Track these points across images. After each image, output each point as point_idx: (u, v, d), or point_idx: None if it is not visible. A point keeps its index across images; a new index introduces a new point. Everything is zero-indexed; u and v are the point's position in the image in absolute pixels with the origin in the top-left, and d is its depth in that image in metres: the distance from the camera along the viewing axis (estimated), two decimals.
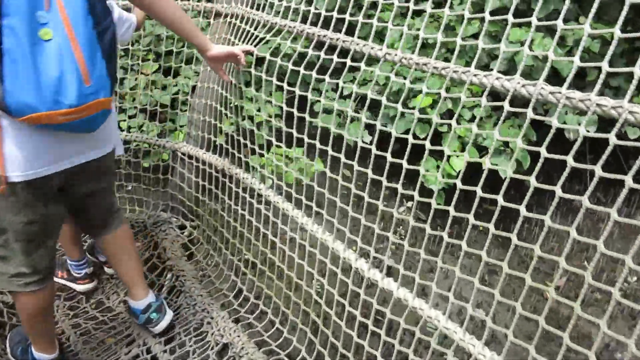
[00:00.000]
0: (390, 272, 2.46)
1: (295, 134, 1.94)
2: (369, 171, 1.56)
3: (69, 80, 1.37)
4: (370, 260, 1.66)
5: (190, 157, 2.70)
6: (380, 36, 2.79)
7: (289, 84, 1.99)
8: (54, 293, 1.89)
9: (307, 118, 1.81)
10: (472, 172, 1.71)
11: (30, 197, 1.54)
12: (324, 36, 1.82)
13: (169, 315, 2.16)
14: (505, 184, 1.24)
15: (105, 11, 1.50)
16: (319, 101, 1.78)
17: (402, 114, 1.53)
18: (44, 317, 1.81)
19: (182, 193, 2.77)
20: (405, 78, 1.53)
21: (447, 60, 1.85)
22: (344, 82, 1.71)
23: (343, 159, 1.68)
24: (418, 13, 2.69)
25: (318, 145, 1.82)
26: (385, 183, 1.55)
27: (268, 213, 2.18)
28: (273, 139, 2.05)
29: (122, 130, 2.93)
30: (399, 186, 1.52)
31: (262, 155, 2.22)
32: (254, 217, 2.28)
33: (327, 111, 2.61)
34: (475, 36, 2.58)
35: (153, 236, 2.74)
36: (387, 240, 1.66)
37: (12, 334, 2.08)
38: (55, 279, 2.40)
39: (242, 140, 2.31)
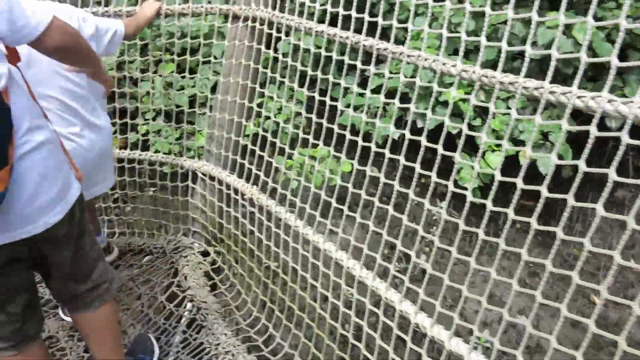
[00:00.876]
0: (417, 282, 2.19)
1: (324, 126, 1.80)
2: (401, 158, 1.48)
3: None
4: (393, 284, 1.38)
5: (211, 178, 2.44)
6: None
7: (312, 81, 1.88)
8: (42, 355, 1.57)
9: (338, 105, 1.54)
10: (508, 169, 1.59)
11: None
12: (357, 43, 1.67)
13: None
14: (549, 177, 1.14)
15: None
16: (344, 97, 1.63)
17: (433, 108, 1.50)
18: None
19: (204, 217, 2.53)
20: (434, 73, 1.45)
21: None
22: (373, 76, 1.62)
23: (373, 153, 1.60)
24: None
25: (348, 137, 1.71)
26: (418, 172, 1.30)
27: (297, 246, 1.92)
28: (300, 134, 1.92)
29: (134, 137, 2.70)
30: (433, 174, 1.42)
31: (290, 157, 2.08)
32: (281, 248, 2.02)
33: (354, 108, 2.49)
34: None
35: (173, 262, 2.51)
36: (411, 252, 1.41)
37: None
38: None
39: (269, 138, 2.14)
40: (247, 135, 2.31)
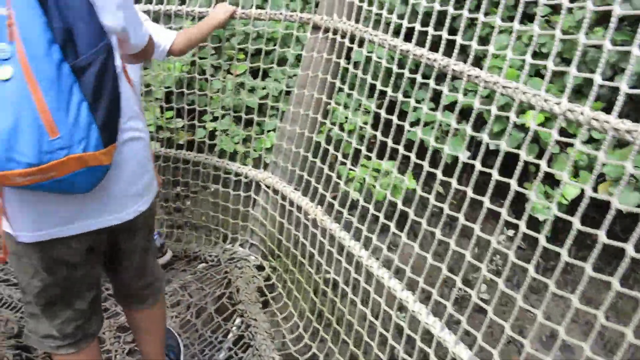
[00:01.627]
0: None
1: (390, 139, 1.69)
2: (469, 189, 1.35)
3: (25, 132, 1.01)
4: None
5: (275, 191, 2.35)
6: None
7: (382, 91, 1.74)
8: (97, 356, 1.56)
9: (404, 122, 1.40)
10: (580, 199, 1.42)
11: (46, 259, 1.29)
12: (434, 60, 1.55)
13: None
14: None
15: (94, 35, 1.12)
16: (414, 110, 1.66)
17: (511, 132, 1.27)
18: None
19: (263, 230, 2.44)
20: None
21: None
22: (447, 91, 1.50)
23: (439, 176, 1.50)
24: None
25: (413, 158, 1.60)
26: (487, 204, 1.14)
27: (360, 277, 1.79)
28: (363, 148, 1.82)
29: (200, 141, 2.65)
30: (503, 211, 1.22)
31: (351, 169, 1.99)
32: (341, 277, 1.89)
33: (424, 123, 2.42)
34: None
35: (227, 273, 2.43)
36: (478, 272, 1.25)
37: None
38: None
39: (331, 150, 2.04)
40: (317, 149, 2.20)
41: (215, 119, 2.74)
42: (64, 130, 1.05)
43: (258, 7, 2.37)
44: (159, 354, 1.76)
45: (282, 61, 2.62)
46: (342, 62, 2.04)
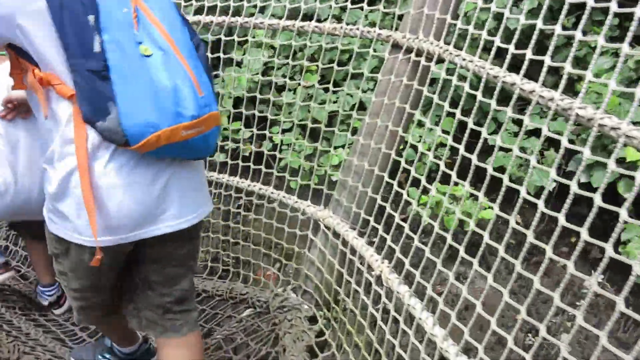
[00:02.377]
0: None
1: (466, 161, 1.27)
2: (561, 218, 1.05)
3: (184, 90, 1.19)
4: None
5: (335, 234, 2.02)
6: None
7: (464, 111, 1.48)
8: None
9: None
10: None
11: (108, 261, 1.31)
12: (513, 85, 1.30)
13: None
14: None
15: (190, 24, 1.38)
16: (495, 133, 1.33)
17: (605, 163, 1.02)
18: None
19: (319, 276, 2.10)
20: None
21: None
22: (531, 115, 1.23)
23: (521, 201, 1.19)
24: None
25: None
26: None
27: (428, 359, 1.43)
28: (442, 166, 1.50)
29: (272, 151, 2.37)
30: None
31: (425, 191, 1.72)
32: (408, 353, 1.53)
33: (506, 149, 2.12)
34: None
35: (275, 325, 2.11)
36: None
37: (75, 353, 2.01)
38: None
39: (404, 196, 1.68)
40: (387, 191, 1.85)
41: (283, 131, 2.59)
42: (205, 91, 1.24)
43: (335, 17, 2.07)
44: None
45: (356, 75, 2.34)
46: (425, 90, 1.69)
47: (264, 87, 2.71)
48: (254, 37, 2.44)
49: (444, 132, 1.71)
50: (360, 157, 1.97)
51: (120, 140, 1.14)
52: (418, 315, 1.50)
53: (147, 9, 1.23)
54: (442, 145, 2.57)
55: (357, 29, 1.96)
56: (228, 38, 2.35)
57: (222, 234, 2.56)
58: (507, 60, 1.32)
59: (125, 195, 1.22)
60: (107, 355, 1.89)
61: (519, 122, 1.40)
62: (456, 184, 1.49)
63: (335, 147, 2.50)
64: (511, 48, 1.30)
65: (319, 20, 2.11)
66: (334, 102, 2.76)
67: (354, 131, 2.14)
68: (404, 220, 1.68)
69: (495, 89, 1.33)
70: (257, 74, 2.73)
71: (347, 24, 2.01)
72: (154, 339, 1.67)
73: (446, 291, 1.42)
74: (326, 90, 2.32)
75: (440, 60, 1.68)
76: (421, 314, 1.49)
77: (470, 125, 1.41)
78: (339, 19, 2.02)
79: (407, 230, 1.61)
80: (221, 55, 2.40)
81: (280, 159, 2.49)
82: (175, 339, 1.49)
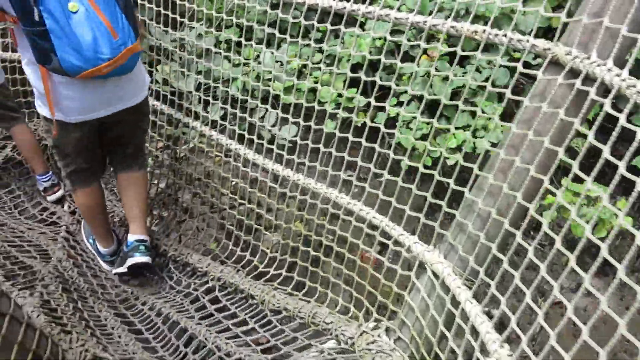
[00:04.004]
0: None
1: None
2: None
3: (101, 39, 1.82)
4: None
5: (444, 286, 1.65)
6: None
7: None
8: (102, 194, 2.47)
9: None
10: None
11: (80, 128, 2.12)
12: None
13: (149, 259, 2.39)
14: None
15: None
16: None
17: None
18: (97, 213, 2.47)
19: (418, 327, 1.76)
20: None
21: None
22: None
23: None
24: None
25: None
26: None
27: None
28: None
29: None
30: None
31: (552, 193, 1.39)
32: None
33: None
34: None
35: None
36: None
37: (84, 223, 2.78)
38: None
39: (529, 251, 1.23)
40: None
41: (399, 103, 2.57)
42: (120, 34, 1.86)
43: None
44: (139, 210, 2.45)
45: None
46: (591, 135, 1.24)
47: (386, 53, 2.42)
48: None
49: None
50: (486, 197, 1.58)
51: (64, 74, 1.85)
52: None
53: None
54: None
55: (504, 35, 1.52)
56: None
57: (314, 249, 2.28)
58: None
59: (81, 93, 1.99)
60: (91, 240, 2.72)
61: None
62: None
63: (456, 128, 2.32)
64: None
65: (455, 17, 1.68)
66: (462, 75, 2.44)
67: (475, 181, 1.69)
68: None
69: None
70: (381, 38, 2.60)
71: (492, 26, 1.57)
72: (116, 175, 2.51)
73: None
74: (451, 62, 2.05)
75: (620, 97, 1.23)
76: None
77: None
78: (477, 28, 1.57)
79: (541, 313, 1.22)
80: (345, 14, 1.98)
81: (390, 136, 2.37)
82: (130, 174, 2.44)
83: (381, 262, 1.95)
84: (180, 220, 2.93)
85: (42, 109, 2.09)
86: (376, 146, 1.90)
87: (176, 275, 2.55)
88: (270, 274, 2.35)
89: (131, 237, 2.41)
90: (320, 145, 2.18)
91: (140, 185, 2.45)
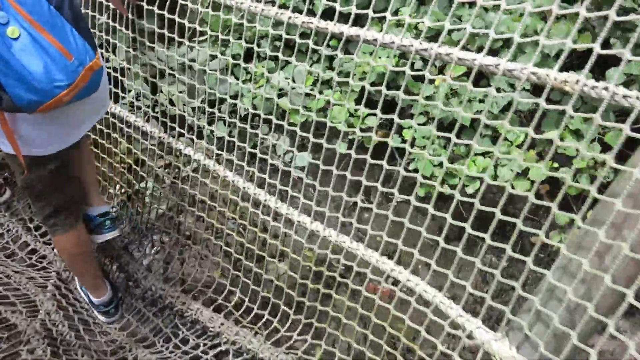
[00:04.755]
0: None
1: None
2: None
3: (53, 65, 1.48)
4: None
5: None
6: None
7: None
8: (87, 237, 2.24)
9: None
10: None
11: (57, 157, 1.85)
12: None
13: (117, 232, 2.39)
14: None
15: None
16: None
17: None
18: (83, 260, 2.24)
19: None
20: None
21: None
22: None
23: None
24: None
25: None
26: None
27: None
28: None
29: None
30: None
31: None
32: None
33: None
34: None
35: None
36: None
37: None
38: None
39: None
40: None
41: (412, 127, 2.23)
42: (74, 54, 1.53)
43: None
44: (92, 178, 2.38)
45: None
46: None
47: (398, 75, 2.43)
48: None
49: None
50: (568, 278, 1.29)
51: (20, 111, 1.53)
52: None
53: None
54: None
55: (606, 88, 1.23)
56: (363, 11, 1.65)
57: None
58: None
59: (50, 124, 1.72)
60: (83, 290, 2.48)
61: None
62: None
63: (476, 154, 2.22)
64: None
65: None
66: (481, 101, 2.29)
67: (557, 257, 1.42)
68: None
69: None
70: (395, 56, 2.45)
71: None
72: None
73: None
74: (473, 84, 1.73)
75: None
76: None
77: None
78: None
79: None
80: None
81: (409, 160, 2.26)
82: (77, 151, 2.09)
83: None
84: (182, 245, 2.65)
85: (5, 146, 1.77)
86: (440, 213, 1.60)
87: (182, 332, 2.26)
88: (293, 339, 2.06)
89: (97, 210, 2.34)
90: (373, 208, 1.85)
91: (89, 153, 2.42)
